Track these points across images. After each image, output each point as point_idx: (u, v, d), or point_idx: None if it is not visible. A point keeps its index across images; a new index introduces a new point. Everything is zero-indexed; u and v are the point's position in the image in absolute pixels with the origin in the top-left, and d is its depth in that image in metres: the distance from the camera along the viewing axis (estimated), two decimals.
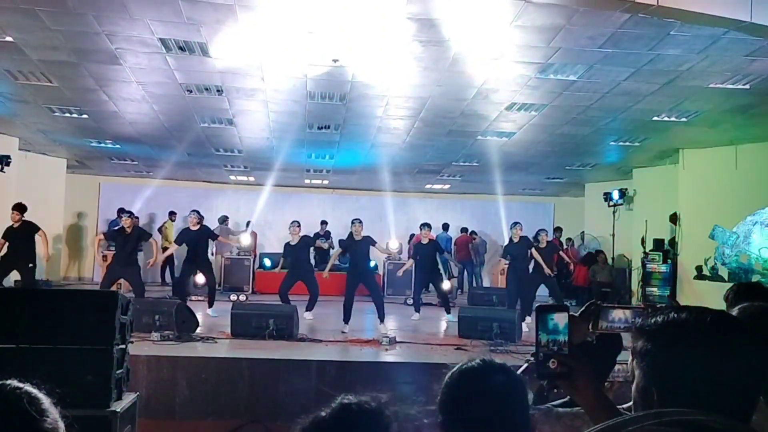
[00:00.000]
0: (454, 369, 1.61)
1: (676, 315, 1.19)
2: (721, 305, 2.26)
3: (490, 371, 1.58)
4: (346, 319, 9.77)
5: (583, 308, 1.79)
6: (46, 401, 1.49)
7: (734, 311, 1.93)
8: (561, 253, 14.11)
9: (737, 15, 6.33)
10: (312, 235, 13.51)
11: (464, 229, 18.08)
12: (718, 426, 0.85)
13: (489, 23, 7.09)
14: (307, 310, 10.65)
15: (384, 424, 1.54)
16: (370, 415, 1.51)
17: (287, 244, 11.25)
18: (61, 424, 1.49)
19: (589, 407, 1.43)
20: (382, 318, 10.07)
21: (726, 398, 1.09)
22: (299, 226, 11.27)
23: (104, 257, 15.14)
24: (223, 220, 17.31)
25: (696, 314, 1.18)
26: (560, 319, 1.49)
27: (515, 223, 11.18)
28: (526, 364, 1.70)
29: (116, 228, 11.03)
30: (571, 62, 8.19)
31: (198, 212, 11.36)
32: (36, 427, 1.43)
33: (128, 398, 4.67)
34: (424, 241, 11.73)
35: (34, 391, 1.49)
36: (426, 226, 11.86)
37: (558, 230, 17.69)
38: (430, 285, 12.01)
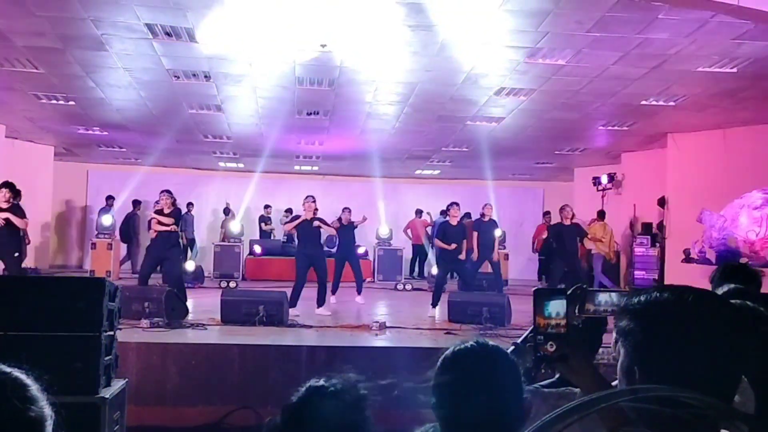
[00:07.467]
0: (448, 351, 1.61)
1: (658, 294, 1.19)
2: (709, 288, 2.27)
3: (484, 353, 1.58)
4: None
5: (569, 292, 1.79)
6: (33, 387, 1.47)
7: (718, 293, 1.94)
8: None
9: None
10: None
11: (468, 215, 16.13)
12: (696, 403, 0.85)
13: (477, 7, 7.06)
14: (319, 306, 9.84)
15: (353, 405, 1.54)
16: (337, 397, 1.52)
17: (302, 219, 10.07)
18: (49, 411, 1.47)
19: (587, 389, 1.43)
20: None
21: (708, 377, 1.09)
22: (314, 201, 10.20)
23: (93, 245, 15.07)
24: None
25: (679, 293, 1.18)
26: (557, 302, 1.51)
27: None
28: (513, 347, 1.70)
29: (157, 209, 9.97)
30: (559, 47, 8.17)
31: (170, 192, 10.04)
32: (22, 417, 1.42)
33: (117, 385, 4.67)
34: (453, 222, 10.50)
35: (21, 376, 1.47)
36: (455, 205, 10.59)
37: (546, 214, 17.67)
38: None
